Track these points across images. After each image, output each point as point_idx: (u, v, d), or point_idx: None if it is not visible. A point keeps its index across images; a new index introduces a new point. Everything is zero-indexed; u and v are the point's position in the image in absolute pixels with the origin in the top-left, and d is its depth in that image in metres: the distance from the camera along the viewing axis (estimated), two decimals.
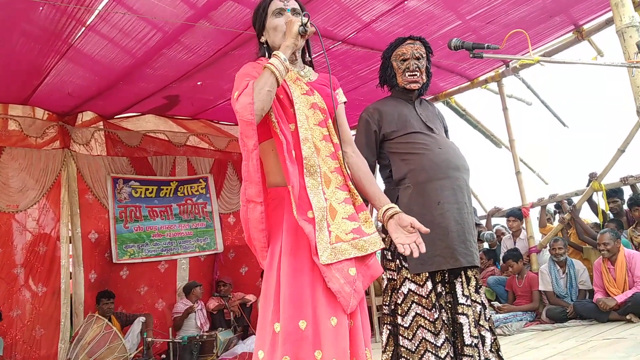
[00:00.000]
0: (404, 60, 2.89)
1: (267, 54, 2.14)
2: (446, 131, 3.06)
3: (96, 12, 3.97)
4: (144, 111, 6.47)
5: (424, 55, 2.94)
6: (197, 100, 6.13)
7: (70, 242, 5.94)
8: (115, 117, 6.44)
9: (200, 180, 7.12)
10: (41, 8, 3.79)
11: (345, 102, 2.29)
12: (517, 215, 6.80)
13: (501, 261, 6.74)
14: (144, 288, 6.58)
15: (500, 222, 7.68)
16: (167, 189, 6.82)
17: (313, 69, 2.27)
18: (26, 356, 5.58)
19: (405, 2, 4.42)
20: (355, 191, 2.07)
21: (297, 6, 2.20)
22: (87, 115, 6.24)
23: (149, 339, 5.58)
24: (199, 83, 5.43)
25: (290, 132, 2.02)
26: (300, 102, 2.07)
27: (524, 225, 6.70)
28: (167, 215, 6.77)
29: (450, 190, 2.75)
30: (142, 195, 6.62)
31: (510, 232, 6.93)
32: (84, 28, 4.16)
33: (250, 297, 6.94)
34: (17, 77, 4.85)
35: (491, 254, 7.09)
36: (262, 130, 1.99)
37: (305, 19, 2.07)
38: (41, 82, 4.97)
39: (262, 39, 2.21)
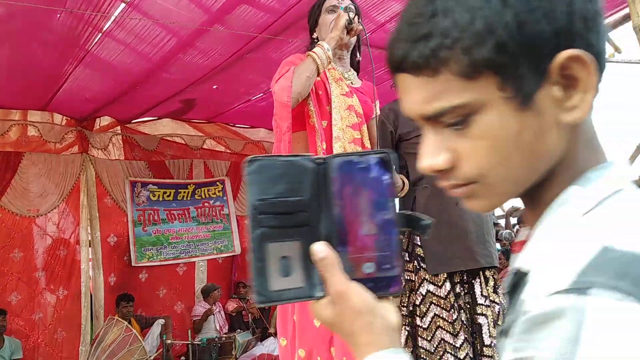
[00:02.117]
0: None
1: None
2: None
3: (112, 18, 4.01)
4: (161, 115, 6.52)
5: None
6: (213, 103, 6.17)
7: (89, 246, 6.00)
8: (133, 121, 6.49)
9: (217, 183, 7.16)
10: (58, 15, 3.83)
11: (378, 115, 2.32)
12: None
13: None
14: (162, 291, 6.63)
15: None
16: (184, 192, 6.86)
17: (358, 74, 2.29)
18: (48, 359, 5.66)
19: None
20: None
21: (351, 4, 2.24)
22: (105, 120, 6.30)
23: (168, 341, 5.62)
24: (214, 87, 5.46)
25: (323, 129, 2.04)
26: (339, 101, 2.10)
27: None
28: (184, 218, 6.81)
29: None
30: (160, 199, 6.67)
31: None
32: (100, 34, 4.20)
33: None
34: (36, 84, 4.90)
35: (509, 253, 7.04)
36: (295, 122, 2.02)
37: (352, 14, 2.09)
38: (59, 88, 5.02)
39: (314, 35, 2.27)
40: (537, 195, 0.66)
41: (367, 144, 2.16)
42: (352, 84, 2.25)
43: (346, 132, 2.10)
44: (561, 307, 0.51)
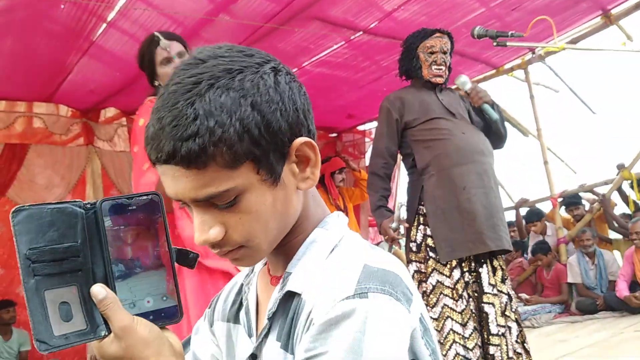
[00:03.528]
0: (432, 53, 2.87)
1: None
2: (474, 110, 2.99)
3: (117, 8, 3.99)
4: None
5: (450, 50, 2.93)
6: None
7: None
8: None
9: None
10: (62, 6, 3.81)
11: None
12: (536, 216, 6.72)
13: (529, 254, 6.64)
14: None
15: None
16: None
17: None
18: (57, 352, 5.67)
19: None
20: None
21: (182, 49, 2.32)
22: (110, 112, 6.27)
23: None
24: None
25: None
26: None
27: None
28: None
29: (475, 174, 2.75)
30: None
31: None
32: (105, 25, 4.18)
33: None
34: (41, 75, 4.89)
35: (519, 245, 6.98)
36: None
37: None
38: (64, 80, 5.01)
39: (156, 84, 2.37)
40: (284, 242, 0.85)
41: None
42: None
43: None
44: (350, 308, 0.69)
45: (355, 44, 5.05)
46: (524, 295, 6.17)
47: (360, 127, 7.22)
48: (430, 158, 2.80)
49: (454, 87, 2.89)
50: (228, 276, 2.16)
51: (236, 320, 0.95)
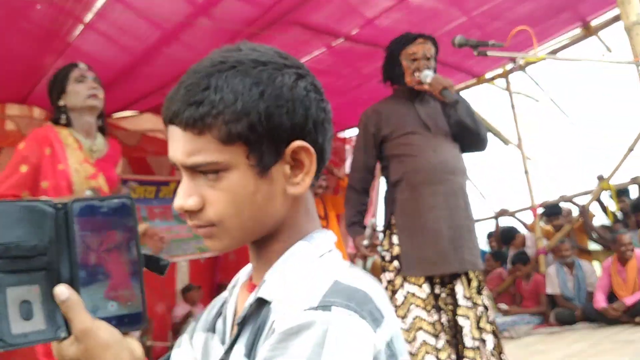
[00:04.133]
0: (415, 60, 2.82)
1: (63, 117, 2.39)
2: (443, 107, 2.88)
3: (94, 9, 3.91)
4: (143, 110, 6.41)
5: (433, 55, 2.89)
6: None
7: None
8: (114, 117, 6.36)
9: None
10: (39, 6, 3.73)
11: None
12: (511, 236, 6.80)
13: (509, 264, 6.66)
14: None
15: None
16: (166, 190, 6.71)
17: (104, 134, 2.50)
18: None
19: None
20: None
21: (96, 76, 2.45)
22: None
23: (149, 343, 5.55)
24: None
25: None
26: (82, 189, 2.29)
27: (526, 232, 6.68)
28: (166, 217, 6.67)
29: (443, 195, 2.76)
30: (141, 196, 6.51)
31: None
32: (82, 26, 4.10)
33: None
34: (15, 77, 4.80)
35: (499, 255, 7.00)
36: None
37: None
38: (39, 81, 4.91)
39: (61, 103, 2.40)
40: (266, 246, 0.87)
41: None
42: (99, 156, 2.43)
43: None
44: (311, 319, 0.70)
45: (336, 51, 5.03)
46: (503, 306, 6.17)
47: (341, 134, 7.19)
48: (402, 173, 2.81)
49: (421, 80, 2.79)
50: None
51: (214, 329, 0.95)
